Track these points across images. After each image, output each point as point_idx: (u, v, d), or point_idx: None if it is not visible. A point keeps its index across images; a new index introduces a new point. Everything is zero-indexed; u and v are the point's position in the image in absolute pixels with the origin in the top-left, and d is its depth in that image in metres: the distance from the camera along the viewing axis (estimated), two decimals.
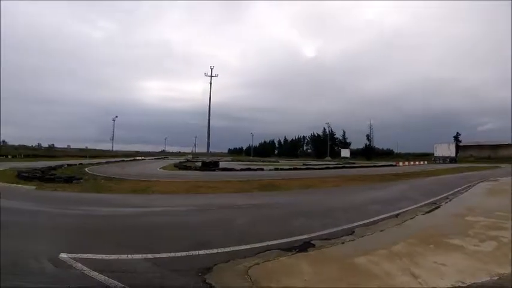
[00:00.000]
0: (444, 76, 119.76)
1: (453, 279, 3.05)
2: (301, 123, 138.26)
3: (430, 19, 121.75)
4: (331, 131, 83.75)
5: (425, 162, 48.29)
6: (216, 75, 33.75)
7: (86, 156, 43.06)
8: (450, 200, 8.80)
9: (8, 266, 3.34)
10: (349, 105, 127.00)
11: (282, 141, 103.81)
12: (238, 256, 3.75)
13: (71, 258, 3.57)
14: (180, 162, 37.70)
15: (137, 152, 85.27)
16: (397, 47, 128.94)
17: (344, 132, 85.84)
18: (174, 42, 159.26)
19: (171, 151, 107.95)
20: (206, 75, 33.36)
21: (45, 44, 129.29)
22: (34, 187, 10.94)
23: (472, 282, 3.01)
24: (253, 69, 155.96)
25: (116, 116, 65.70)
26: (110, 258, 3.65)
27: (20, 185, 11.37)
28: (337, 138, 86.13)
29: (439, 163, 48.40)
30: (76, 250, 3.83)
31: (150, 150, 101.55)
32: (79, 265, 3.37)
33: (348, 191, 11.65)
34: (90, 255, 3.68)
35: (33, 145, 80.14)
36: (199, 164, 28.67)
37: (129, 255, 3.72)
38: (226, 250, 3.98)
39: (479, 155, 59.47)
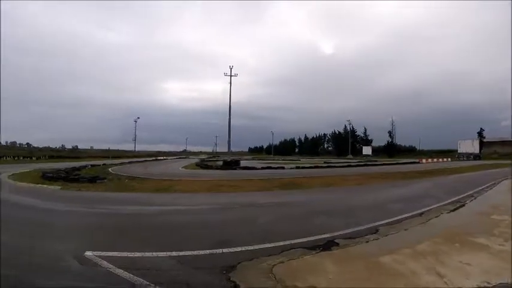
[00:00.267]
0: (465, 69, 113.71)
1: (479, 279, 2.97)
2: (321, 121, 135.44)
3: (446, 7, 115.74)
4: (352, 128, 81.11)
5: (449, 159, 46.22)
6: (236, 75, 34.03)
7: (109, 157, 44.60)
8: (475, 198, 8.44)
9: (33, 264, 3.42)
10: (369, 102, 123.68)
11: (303, 139, 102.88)
12: (261, 254, 3.68)
13: (96, 256, 3.60)
14: (202, 160, 38.37)
15: (159, 152, 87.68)
16: (415, 39, 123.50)
17: (365, 129, 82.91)
18: (192, 43, 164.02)
19: (192, 151, 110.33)
20: (226, 74, 33.74)
21: (74, 51, 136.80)
22: (59, 187, 11.16)
23: (498, 282, 2.90)
24: (271, 68, 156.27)
25: (138, 117, 66.80)
26: (135, 256, 3.66)
27: (45, 186, 11.57)
28: (358, 135, 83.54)
29: (463, 160, 46.01)
30: (101, 248, 3.88)
31: (172, 150, 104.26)
32: (104, 263, 3.40)
33: (370, 189, 11.29)
34: (115, 253, 3.71)
35: (57, 147, 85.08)
36: (221, 163, 28.87)
37: (153, 253, 3.73)
38: (249, 248, 3.92)
39: (503, 151, 55.43)
